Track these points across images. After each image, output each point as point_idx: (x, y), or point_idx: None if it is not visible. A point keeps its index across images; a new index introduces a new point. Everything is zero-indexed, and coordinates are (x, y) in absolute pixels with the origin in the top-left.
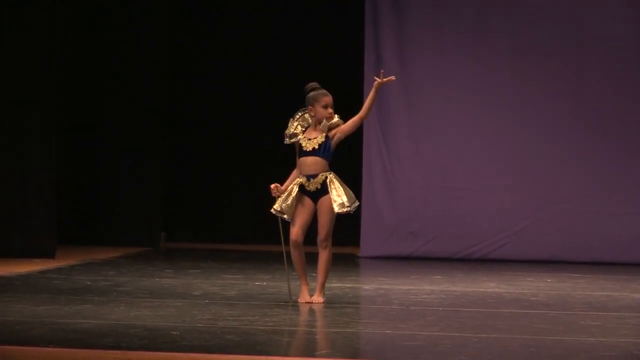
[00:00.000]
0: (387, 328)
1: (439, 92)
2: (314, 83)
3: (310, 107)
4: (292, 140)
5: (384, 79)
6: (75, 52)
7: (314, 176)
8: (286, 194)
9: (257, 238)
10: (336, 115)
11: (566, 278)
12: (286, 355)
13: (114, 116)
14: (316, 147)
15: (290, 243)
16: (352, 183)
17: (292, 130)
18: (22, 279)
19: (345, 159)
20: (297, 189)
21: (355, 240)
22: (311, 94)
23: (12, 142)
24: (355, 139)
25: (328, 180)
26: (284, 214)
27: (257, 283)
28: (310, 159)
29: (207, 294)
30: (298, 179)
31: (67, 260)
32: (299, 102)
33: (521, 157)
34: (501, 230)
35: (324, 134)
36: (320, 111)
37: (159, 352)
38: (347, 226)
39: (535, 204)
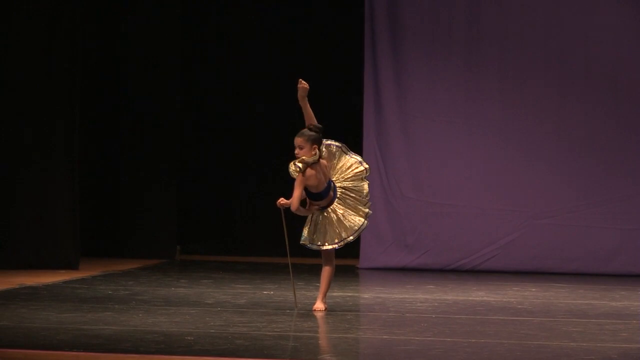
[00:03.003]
0: (384, 333)
1: (433, 116)
2: (314, 124)
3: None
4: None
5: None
6: (93, 67)
7: (325, 208)
8: (306, 224)
9: (264, 250)
10: (311, 154)
11: (549, 287)
12: (291, 358)
13: (133, 132)
14: (297, 170)
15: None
16: None
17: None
18: (48, 289)
19: None
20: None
21: (355, 253)
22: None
23: (36, 157)
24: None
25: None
26: (314, 242)
27: (265, 292)
28: (323, 202)
29: (218, 302)
30: (319, 212)
31: (89, 271)
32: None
33: (507, 176)
34: (489, 244)
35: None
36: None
37: (175, 356)
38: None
39: (521, 220)
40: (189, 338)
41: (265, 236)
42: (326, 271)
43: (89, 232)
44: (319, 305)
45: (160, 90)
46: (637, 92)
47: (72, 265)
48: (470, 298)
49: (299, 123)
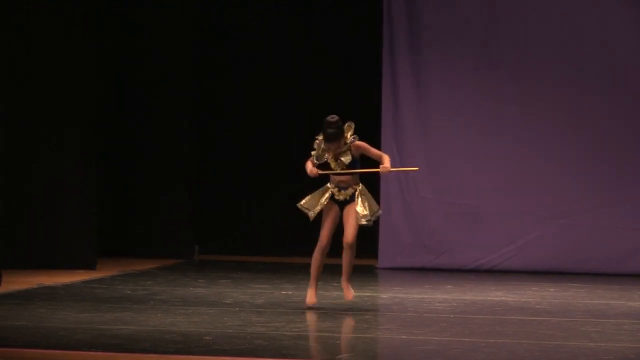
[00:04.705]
0: (403, 334)
1: (450, 115)
2: (332, 117)
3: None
4: (321, 162)
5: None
6: (109, 68)
7: (345, 188)
8: (316, 195)
9: (282, 251)
10: (350, 136)
11: (567, 288)
12: (310, 358)
13: (149, 132)
14: (343, 167)
15: (319, 246)
16: None
17: (318, 152)
18: (66, 289)
19: (363, 178)
20: (327, 196)
21: (373, 253)
22: (324, 129)
23: (54, 159)
24: (373, 160)
25: (357, 193)
26: (309, 210)
27: (283, 292)
28: (343, 178)
29: (237, 302)
30: (329, 185)
31: (107, 272)
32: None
33: (524, 176)
34: (507, 244)
35: (349, 153)
36: (324, 149)
37: (193, 355)
38: (366, 240)
39: (538, 220)
40: (207, 338)
41: (283, 236)
42: (351, 257)
43: (107, 232)
44: (349, 292)
45: (177, 90)
46: None
47: (89, 266)
48: (489, 298)
49: (313, 121)
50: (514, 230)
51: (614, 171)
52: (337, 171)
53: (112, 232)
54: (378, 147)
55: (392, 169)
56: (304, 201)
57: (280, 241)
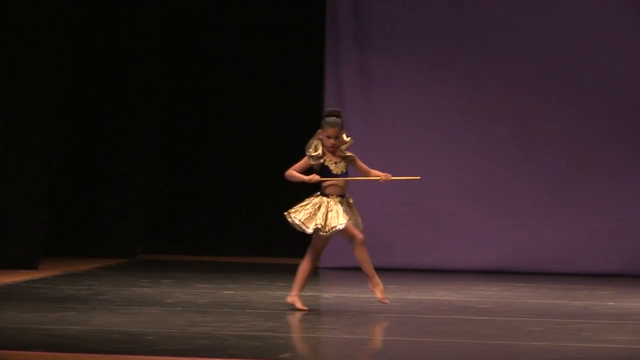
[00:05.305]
0: (346, 333)
1: (398, 116)
2: (332, 109)
3: (320, 131)
4: (319, 162)
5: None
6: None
7: (343, 196)
8: (312, 210)
9: (226, 250)
10: (348, 138)
11: (512, 287)
12: (255, 358)
13: (93, 133)
14: (343, 170)
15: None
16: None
17: (316, 153)
18: (8, 289)
19: (306, 172)
20: (325, 210)
21: None
22: (324, 119)
23: None
24: None
25: (350, 201)
26: (307, 227)
27: (226, 292)
28: (341, 181)
29: (180, 301)
30: (325, 197)
31: (50, 271)
32: (255, 126)
33: (470, 176)
34: (452, 244)
35: (348, 160)
36: (325, 139)
37: (137, 355)
38: (308, 239)
39: (483, 220)
40: (150, 338)
41: (227, 235)
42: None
43: (49, 231)
44: (383, 295)
45: (121, 89)
46: (598, 89)
47: (32, 266)
48: (433, 297)
49: (263, 121)
50: (458, 229)
51: (559, 172)
52: (339, 175)
53: (55, 231)
54: None
55: (393, 178)
56: (302, 216)
57: (224, 241)
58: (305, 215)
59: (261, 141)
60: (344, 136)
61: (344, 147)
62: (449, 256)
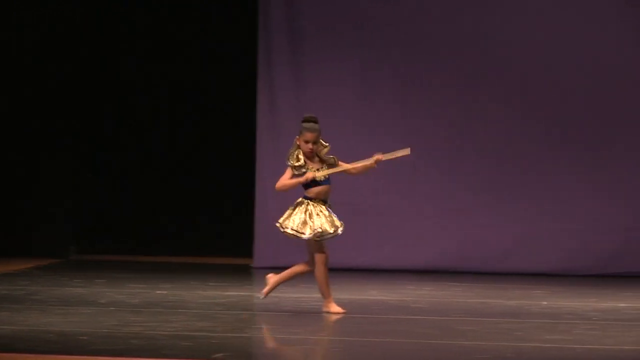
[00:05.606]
0: (280, 333)
1: (329, 116)
2: (310, 115)
3: (297, 137)
4: (302, 171)
5: (384, 158)
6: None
7: (325, 201)
8: (304, 217)
9: (159, 250)
10: (327, 145)
11: (445, 287)
12: (188, 358)
13: (26, 129)
14: (327, 176)
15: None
16: (247, 198)
17: (299, 162)
18: None
19: (239, 172)
20: (321, 211)
21: (249, 252)
22: (302, 125)
23: None
24: (249, 154)
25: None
26: (303, 234)
27: (159, 292)
28: (326, 187)
29: (113, 301)
30: (313, 203)
31: None
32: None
33: (403, 176)
34: (385, 243)
35: (327, 164)
36: (302, 145)
37: (70, 355)
38: (241, 238)
39: (416, 219)
40: (83, 338)
41: (160, 235)
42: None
43: None
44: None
45: (51, 84)
46: (535, 88)
47: None
48: (366, 297)
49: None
50: (391, 229)
51: (493, 172)
52: (332, 170)
53: None
54: (255, 145)
55: (384, 157)
56: (294, 224)
57: (158, 240)
58: (298, 221)
59: (190, 140)
60: (322, 141)
61: (323, 152)
62: (381, 256)
